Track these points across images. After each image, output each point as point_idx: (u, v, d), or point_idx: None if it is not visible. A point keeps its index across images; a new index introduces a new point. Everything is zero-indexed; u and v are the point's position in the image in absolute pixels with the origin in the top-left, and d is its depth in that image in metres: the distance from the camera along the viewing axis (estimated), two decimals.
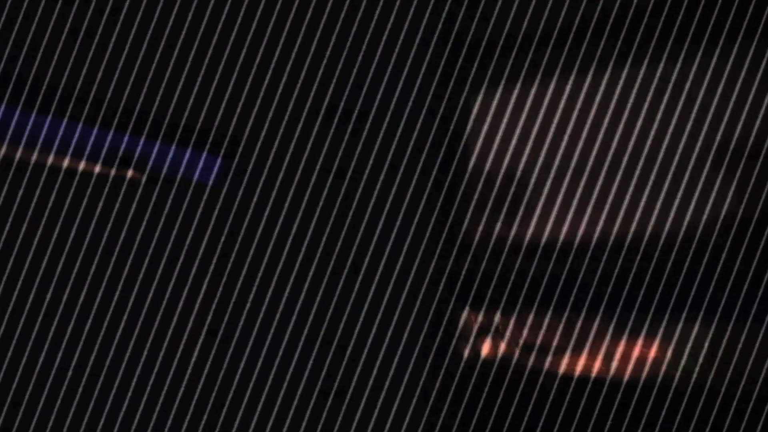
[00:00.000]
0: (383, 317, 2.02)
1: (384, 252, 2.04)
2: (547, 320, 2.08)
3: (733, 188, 1.89)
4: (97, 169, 1.89)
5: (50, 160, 1.87)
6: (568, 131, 2.06)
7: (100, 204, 1.84)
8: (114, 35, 1.86)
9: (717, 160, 1.92)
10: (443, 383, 2.08)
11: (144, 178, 1.88)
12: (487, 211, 2.12)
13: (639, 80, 1.99)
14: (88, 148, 1.88)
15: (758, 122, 1.88)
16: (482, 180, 2.14)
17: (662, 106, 1.97)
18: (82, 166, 1.89)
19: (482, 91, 2.12)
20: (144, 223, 1.86)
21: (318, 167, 2.01)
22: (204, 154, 1.94)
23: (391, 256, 2.04)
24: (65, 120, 1.87)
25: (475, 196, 2.11)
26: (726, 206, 1.89)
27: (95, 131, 1.89)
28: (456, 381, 2.09)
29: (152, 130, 1.89)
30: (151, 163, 1.91)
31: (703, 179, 1.92)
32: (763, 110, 1.87)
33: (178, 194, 1.89)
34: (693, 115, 1.94)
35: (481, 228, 2.13)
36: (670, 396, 1.92)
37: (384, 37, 2.04)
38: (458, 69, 2.11)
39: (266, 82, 1.98)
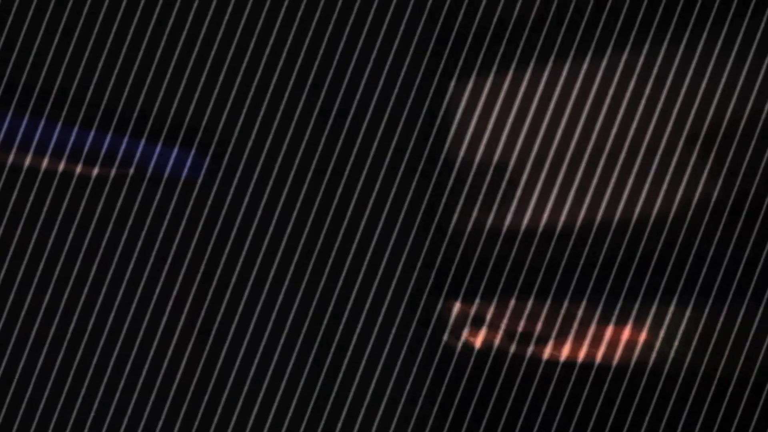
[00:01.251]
0: (370, 311, 2.01)
1: (370, 244, 2.03)
2: (539, 309, 2.09)
3: (723, 172, 1.92)
4: (79, 169, 1.85)
5: (28, 160, 1.83)
6: (551, 119, 2.08)
7: (83, 204, 1.80)
8: (95, 30, 1.83)
9: (703, 145, 1.95)
10: (434, 376, 2.06)
11: (129, 177, 1.85)
12: (477, 200, 2.13)
13: (630, 68, 2.01)
14: (69, 147, 1.84)
15: (732, 105, 1.92)
16: (469, 170, 2.15)
17: (648, 93, 1.99)
18: (62, 166, 1.85)
19: (465, 79, 2.13)
20: (130, 222, 1.83)
21: (300, 160, 2.00)
22: (193, 152, 1.91)
23: (378, 249, 2.03)
24: (44, 119, 1.83)
25: (465, 187, 2.12)
26: (715, 190, 1.92)
27: (75, 130, 1.85)
28: (447, 374, 2.07)
29: (137, 128, 1.86)
30: (136, 161, 1.87)
31: (690, 165, 1.95)
32: (737, 94, 1.91)
33: (165, 192, 1.86)
34: (683, 100, 1.96)
35: (469, 217, 2.13)
36: (662, 380, 1.93)
37: (367, 26, 2.04)
38: (444, 57, 2.12)
39: (245, 74, 1.97)
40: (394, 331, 2.00)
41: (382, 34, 2.03)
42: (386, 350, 1.98)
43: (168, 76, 1.89)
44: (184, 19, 1.91)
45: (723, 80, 1.92)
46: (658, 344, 1.98)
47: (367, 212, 2.00)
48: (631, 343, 2.01)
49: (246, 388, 1.88)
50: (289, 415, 1.90)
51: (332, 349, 1.95)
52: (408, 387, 2.00)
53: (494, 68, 2.10)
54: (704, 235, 1.93)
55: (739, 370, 1.88)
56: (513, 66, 2.10)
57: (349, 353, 1.95)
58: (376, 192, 2.02)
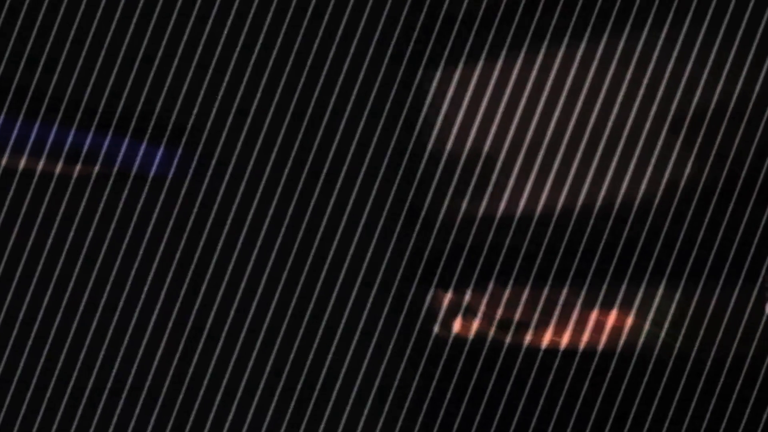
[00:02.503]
0: (354, 303, 1.99)
1: (353, 235, 2.02)
2: (518, 295, 2.09)
3: (693, 156, 1.94)
4: (59, 168, 1.82)
5: (5, 160, 1.79)
6: (538, 107, 2.08)
7: (65, 203, 1.78)
8: (74, 26, 1.81)
9: (681, 130, 1.97)
10: (418, 365, 2.05)
11: (113, 176, 1.82)
12: (452, 188, 2.12)
13: (598, 54, 2.02)
14: (49, 146, 1.81)
15: (700, 91, 1.94)
16: (447, 158, 2.14)
17: (619, 79, 2.00)
18: (41, 165, 1.81)
19: (449, 69, 2.12)
20: (115, 220, 1.80)
21: (285, 154, 1.99)
22: (179, 151, 1.89)
23: (360, 239, 2.02)
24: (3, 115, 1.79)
25: (439, 174, 2.11)
26: (686, 173, 1.93)
27: (55, 129, 1.82)
28: (431, 363, 2.07)
29: (121, 126, 1.84)
30: (120, 159, 1.85)
31: (675, 149, 1.96)
32: (705, 79, 1.93)
33: (151, 191, 1.84)
34: (653, 86, 1.98)
35: (454, 207, 2.13)
36: (646, 363, 1.94)
37: (344, 14, 2.04)
38: (426, 48, 2.12)
39: (229, 70, 1.95)
40: (381, 322, 1.99)
41: (361, 24, 2.03)
42: (373, 342, 1.98)
43: (152, 74, 1.87)
44: (167, 18, 1.89)
45: (699, 65, 1.93)
46: (647, 328, 1.99)
47: (355, 206, 1.99)
48: (623, 328, 2.01)
49: (232, 381, 1.86)
50: (273, 407, 1.89)
51: (332, 347, 1.94)
52: (396, 378, 1.99)
53: (479, 57, 2.10)
54: (685, 219, 1.94)
55: (717, 350, 1.90)
56: (497, 54, 2.10)
57: (336, 346, 1.95)
58: (365, 188, 2.01)
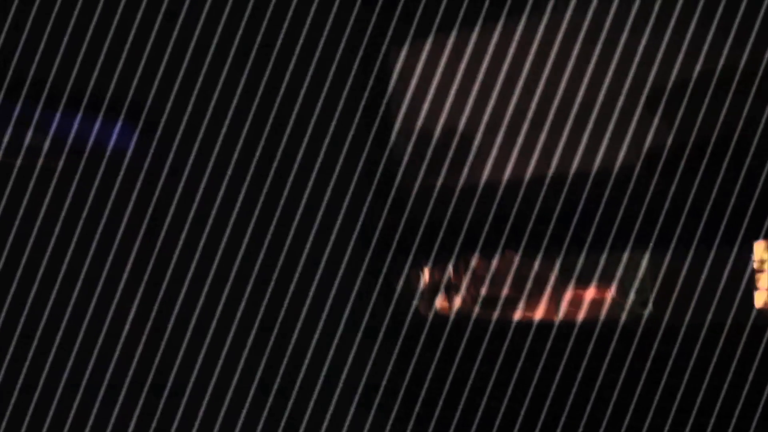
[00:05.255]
0: (323, 281, 1.98)
1: (323, 214, 2.00)
2: (494, 267, 2.09)
3: (660, 126, 1.92)
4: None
5: None
6: (503, 80, 2.07)
7: (9, 190, 1.74)
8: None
9: (652, 100, 1.95)
10: (394, 343, 2.05)
11: (61, 161, 1.77)
12: (426, 164, 2.11)
13: (564, 25, 2.00)
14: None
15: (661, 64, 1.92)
16: (418, 133, 2.13)
17: (588, 48, 1.99)
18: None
19: (416, 43, 2.11)
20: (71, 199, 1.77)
21: (246, 129, 1.96)
22: (139, 129, 1.85)
23: (331, 217, 2.00)
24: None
25: (410, 150, 2.10)
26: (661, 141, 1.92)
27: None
28: (407, 338, 2.06)
29: (71, 103, 1.79)
30: (71, 139, 1.80)
31: (634, 118, 1.95)
32: (684, 53, 1.91)
33: (97, 168, 1.80)
34: (622, 55, 1.96)
35: (424, 181, 2.11)
36: (629, 336, 1.93)
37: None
38: (391, 22, 2.09)
39: (187, 47, 1.91)
40: (351, 301, 1.98)
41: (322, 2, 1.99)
42: (344, 320, 1.96)
43: (105, 48, 1.83)
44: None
45: (666, 38, 1.92)
46: (625, 298, 1.99)
47: (320, 183, 1.97)
48: (602, 301, 2.01)
49: (208, 366, 1.85)
50: (235, 385, 1.87)
51: (298, 325, 1.92)
52: (371, 358, 1.98)
53: (444, 30, 2.08)
54: (668, 191, 1.93)
55: (692, 317, 1.89)
56: (459, 28, 2.08)
57: (304, 324, 1.93)
58: (326, 159, 1.98)
